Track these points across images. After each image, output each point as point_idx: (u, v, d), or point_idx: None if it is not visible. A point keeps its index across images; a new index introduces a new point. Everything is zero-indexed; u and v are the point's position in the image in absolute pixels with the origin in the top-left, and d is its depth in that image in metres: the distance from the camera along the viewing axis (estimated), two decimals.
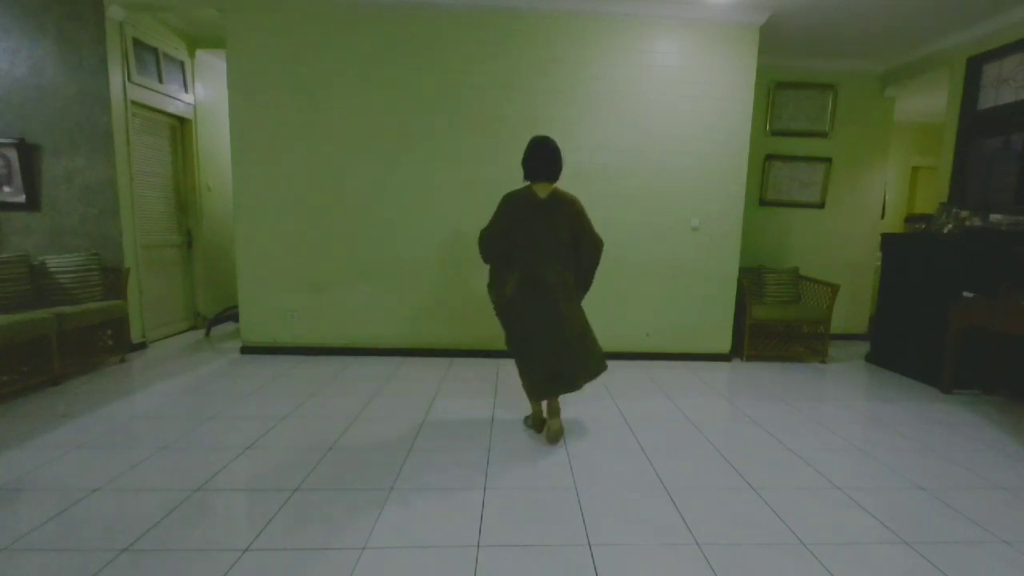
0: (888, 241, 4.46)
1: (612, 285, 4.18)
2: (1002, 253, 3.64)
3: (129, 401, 3.16)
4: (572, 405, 3.14)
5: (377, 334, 4.30)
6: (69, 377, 3.53)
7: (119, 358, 3.98)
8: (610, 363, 4.17)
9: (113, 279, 3.99)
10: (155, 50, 4.47)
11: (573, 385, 2.60)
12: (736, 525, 2.00)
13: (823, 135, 5.19)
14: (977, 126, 4.19)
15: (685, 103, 4.16)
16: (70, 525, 1.87)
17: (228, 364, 4.00)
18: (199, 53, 4.99)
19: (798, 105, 5.16)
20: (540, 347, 2.55)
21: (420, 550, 1.79)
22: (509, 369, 3.82)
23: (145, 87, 4.32)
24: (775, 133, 5.19)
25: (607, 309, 4.24)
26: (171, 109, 4.68)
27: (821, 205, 5.32)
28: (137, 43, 4.23)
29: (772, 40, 4.47)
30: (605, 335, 4.26)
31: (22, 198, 3.96)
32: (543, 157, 2.53)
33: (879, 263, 4.81)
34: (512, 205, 2.56)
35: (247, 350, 4.27)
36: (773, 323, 4.60)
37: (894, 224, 6.65)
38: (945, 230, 4.01)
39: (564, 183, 2.72)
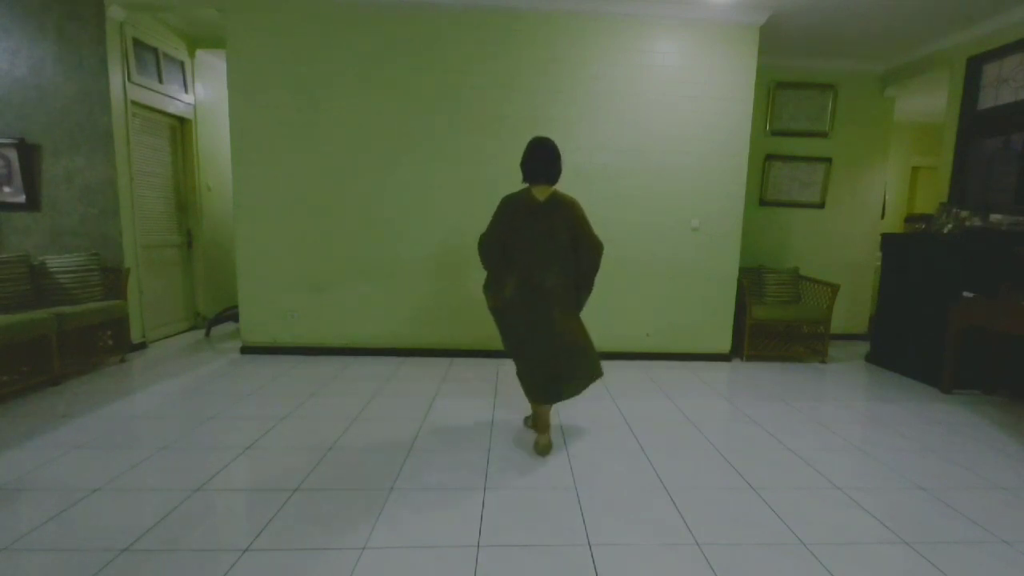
0: (888, 241, 4.46)
1: (612, 285, 4.18)
2: (1002, 253, 3.64)
3: (129, 401, 3.16)
4: (572, 405, 3.14)
5: (377, 334, 4.30)
6: (69, 377, 3.53)
7: (119, 358, 3.98)
8: (610, 363, 4.23)
9: (113, 279, 3.99)
10: (155, 50, 4.47)
11: (560, 396, 2.53)
12: (736, 525, 2.00)
13: (823, 135, 5.20)
14: (977, 126, 4.19)
15: (685, 103, 4.17)
16: (70, 525, 1.88)
17: (228, 364, 4.00)
18: (199, 53, 4.99)
19: (798, 105, 5.16)
20: (534, 353, 2.50)
21: (420, 550, 1.79)
22: (509, 369, 3.82)
23: (145, 87, 4.32)
24: (775, 133, 5.19)
25: (607, 309, 4.25)
26: (171, 109, 4.68)
27: (821, 205, 5.32)
28: (137, 43, 4.23)
29: (772, 40, 4.48)
30: (605, 335, 4.30)
31: (22, 198, 3.97)
32: (542, 158, 2.46)
33: (879, 263, 4.81)
34: (510, 209, 2.50)
35: (247, 350, 4.28)
36: (773, 323, 4.60)
37: (894, 224, 6.65)
38: (945, 230, 4.01)
39: (564, 184, 2.71)
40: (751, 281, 4.79)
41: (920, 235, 4.31)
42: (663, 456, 2.58)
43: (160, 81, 4.53)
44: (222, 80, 4.52)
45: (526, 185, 2.54)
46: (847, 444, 2.81)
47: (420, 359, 4.25)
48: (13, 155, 3.91)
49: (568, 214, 2.49)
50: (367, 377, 3.74)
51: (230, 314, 4.96)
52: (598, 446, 2.69)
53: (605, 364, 4.10)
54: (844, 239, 5.40)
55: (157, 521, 1.91)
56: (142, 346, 4.36)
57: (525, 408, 3.09)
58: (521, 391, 2.84)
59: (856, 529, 2.00)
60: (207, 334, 4.93)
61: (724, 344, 4.47)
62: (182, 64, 4.84)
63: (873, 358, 4.55)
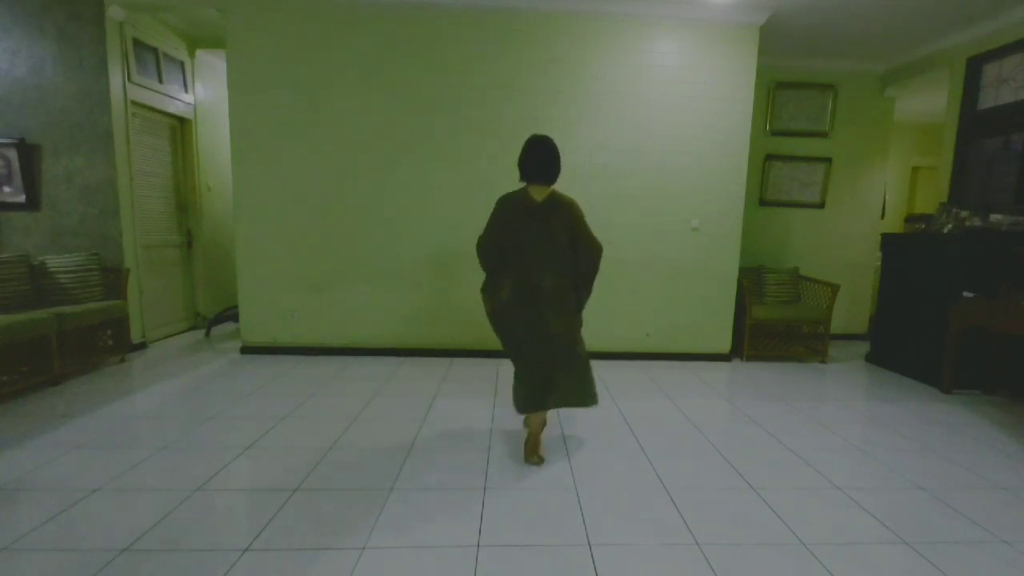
0: (888, 241, 4.46)
1: (612, 285, 4.18)
2: (1002, 253, 3.64)
3: (129, 401, 3.16)
4: None
5: (377, 334, 4.30)
6: (69, 377, 3.53)
7: (119, 358, 3.98)
8: (610, 363, 4.24)
9: (113, 279, 3.99)
10: (155, 50, 4.47)
11: (547, 403, 2.45)
12: (736, 525, 2.00)
13: (823, 135, 5.20)
14: (977, 126, 4.19)
15: (685, 103, 4.17)
16: (70, 525, 1.87)
17: (228, 364, 4.00)
18: (199, 53, 4.99)
19: (798, 105, 5.16)
20: (533, 353, 2.44)
21: (420, 550, 1.79)
22: (509, 369, 3.82)
23: (145, 87, 4.32)
24: (775, 133, 5.19)
25: (607, 309, 4.25)
26: (171, 109, 4.68)
27: (821, 205, 5.32)
28: (137, 43, 4.23)
29: (772, 40, 4.48)
30: (605, 335, 4.31)
31: (22, 198, 3.97)
32: (541, 157, 2.40)
33: (879, 263, 4.81)
34: (507, 209, 2.44)
35: (247, 350, 4.27)
36: (773, 323, 4.60)
37: (894, 224, 6.65)
38: (945, 230, 4.01)
39: (564, 184, 2.67)
40: (751, 281, 4.79)
41: (920, 235, 4.31)
42: (663, 456, 2.58)
43: (160, 81, 4.53)
44: (222, 80, 4.52)
45: (523, 184, 2.47)
46: (847, 444, 2.80)
47: (420, 359, 4.25)
48: (13, 155, 3.91)
49: (567, 215, 2.43)
50: (367, 377, 3.74)
51: (230, 314, 4.96)
52: (598, 446, 2.69)
53: (605, 364, 4.17)
54: (844, 239, 5.40)
55: (157, 521, 1.91)
56: (142, 346, 4.36)
57: None
58: None
59: (856, 529, 2.00)
60: (207, 334, 4.93)
61: (724, 344, 4.47)
62: (182, 64, 4.84)
63: (873, 358, 4.55)
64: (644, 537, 1.91)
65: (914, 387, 3.89)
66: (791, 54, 4.95)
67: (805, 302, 4.83)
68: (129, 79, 4.13)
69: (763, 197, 5.26)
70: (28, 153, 3.92)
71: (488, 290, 2.55)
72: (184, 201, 5.01)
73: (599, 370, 3.95)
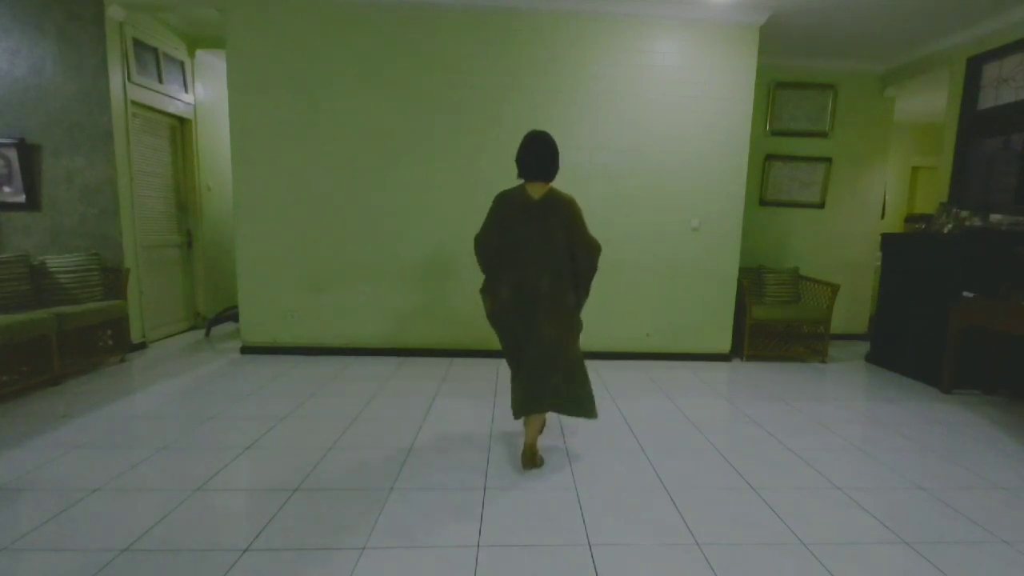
0: (888, 241, 4.47)
1: (612, 285, 4.19)
2: (1002, 253, 3.64)
3: (129, 401, 3.16)
4: None
5: (377, 334, 4.30)
6: (69, 377, 3.53)
7: (119, 358, 3.97)
8: (610, 363, 4.24)
9: (113, 279, 3.99)
10: (155, 50, 4.47)
11: (543, 405, 2.39)
12: (736, 525, 2.00)
13: (823, 135, 5.20)
14: (977, 126, 4.19)
15: (685, 103, 4.17)
16: (70, 525, 1.87)
17: (228, 364, 4.00)
18: (199, 53, 4.99)
19: (798, 105, 5.16)
20: (533, 353, 2.39)
21: (420, 550, 1.79)
22: (509, 370, 3.82)
23: (145, 87, 4.32)
24: (775, 133, 5.19)
25: (607, 309, 4.25)
26: (171, 109, 4.68)
27: (821, 205, 5.32)
28: (137, 43, 4.23)
29: (772, 40, 4.47)
30: (605, 335, 4.31)
31: (22, 198, 3.96)
32: (539, 153, 2.35)
33: (879, 263, 4.81)
34: (504, 206, 2.40)
35: (247, 350, 4.27)
36: (773, 323, 4.60)
37: (894, 224, 6.65)
38: (945, 230, 4.01)
39: (564, 185, 2.65)
40: (751, 281, 4.79)
41: (920, 235, 4.31)
42: (663, 456, 2.58)
43: (160, 81, 4.53)
44: (222, 80, 4.52)
45: (521, 181, 2.42)
46: (847, 444, 2.80)
47: (420, 359, 4.25)
48: (13, 155, 3.91)
49: (565, 213, 2.38)
50: (367, 377, 3.74)
51: (230, 314, 4.96)
52: (598, 446, 2.69)
53: (605, 364, 4.18)
54: (844, 239, 5.40)
55: (157, 521, 1.91)
56: (142, 346, 4.36)
57: None
58: None
59: (856, 529, 2.00)
60: (207, 334, 4.93)
61: (724, 344, 4.47)
62: (182, 64, 4.84)
63: (873, 358, 4.55)
64: (644, 537, 1.91)
65: (914, 387, 3.89)
66: (791, 54, 4.95)
67: (805, 302, 4.83)
68: (129, 79, 4.13)
69: (763, 197, 5.26)
70: (28, 153, 3.92)
71: (487, 290, 2.51)
72: (184, 201, 5.01)
73: (599, 370, 3.98)
